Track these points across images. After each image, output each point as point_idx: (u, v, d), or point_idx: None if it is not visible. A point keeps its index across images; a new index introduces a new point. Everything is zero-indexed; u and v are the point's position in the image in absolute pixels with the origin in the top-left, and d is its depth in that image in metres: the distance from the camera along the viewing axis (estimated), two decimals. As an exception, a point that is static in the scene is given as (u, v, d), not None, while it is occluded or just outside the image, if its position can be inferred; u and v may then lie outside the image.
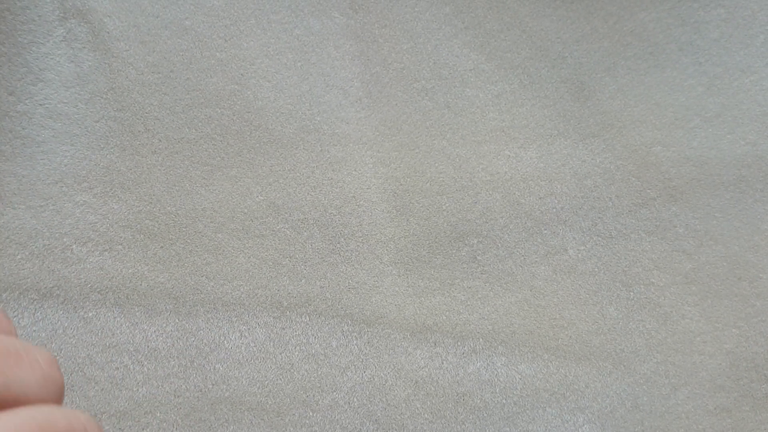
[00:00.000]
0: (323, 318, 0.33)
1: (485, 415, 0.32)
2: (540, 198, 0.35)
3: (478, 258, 0.35)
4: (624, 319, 0.34)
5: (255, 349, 0.33)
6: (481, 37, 0.37)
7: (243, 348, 0.33)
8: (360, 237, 0.35)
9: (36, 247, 0.33)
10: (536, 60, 0.37)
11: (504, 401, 0.32)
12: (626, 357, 0.33)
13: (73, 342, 0.32)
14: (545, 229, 0.35)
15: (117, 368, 0.32)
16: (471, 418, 0.32)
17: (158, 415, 0.32)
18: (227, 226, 0.34)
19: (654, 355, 0.33)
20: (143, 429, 0.31)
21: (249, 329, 0.33)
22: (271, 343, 0.33)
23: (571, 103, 0.37)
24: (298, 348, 0.33)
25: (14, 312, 0.32)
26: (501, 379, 0.33)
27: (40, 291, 0.32)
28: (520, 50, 0.37)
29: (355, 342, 0.33)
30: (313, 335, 0.33)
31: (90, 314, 0.32)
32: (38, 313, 0.32)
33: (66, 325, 0.32)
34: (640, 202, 0.35)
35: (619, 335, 0.33)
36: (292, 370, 0.33)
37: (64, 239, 0.33)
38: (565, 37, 0.38)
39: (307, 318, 0.33)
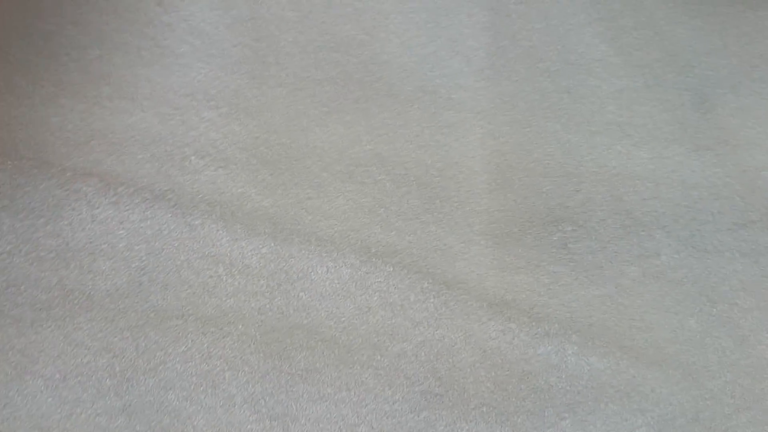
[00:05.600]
0: (406, 271, 0.35)
1: (547, 397, 0.33)
2: (643, 199, 0.35)
3: (569, 246, 0.35)
4: (702, 333, 0.34)
5: (338, 286, 0.34)
6: (614, 31, 0.37)
7: (327, 283, 0.34)
8: (456, 202, 0.36)
9: (157, 151, 0.35)
10: (664, 63, 0.37)
11: (568, 388, 0.33)
12: (696, 370, 0.33)
13: (176, 245, 0.34)
14: (642, 231, 0.35)
15: (211, 276, 0.34)
16: (532, 396, 0.33)
17: (240, 327, 0.33)
18: (333, 167, 0.36)
19: (724, 374, 0.33)
20: (224, 337, 0.33)
21: (336, 266, 0.34)
22: (354, 284, 0.34)
23: (691, 112, 0.37)
24: (377, 294, 0.34)
25: (126, 206, 0.34)
26: (569, 367, 0.33)
27: (153, 192, 0.35)
28: (650, 51, 0.37)
29: (432, 300, 0.34)
30: (393, 285, 0.34)
31: (196, 222, 0.34)
32: (148, 212, 0.34)
33: (172, 227, 0.34)
34: (741, 222, 0.35)
35: (694, 347, 0.33)
36: (368, 313, 0.34)
37: (185, 149, 0.35)
38: (696, 47, 0.37)
39: (391, 268, 0.35)
